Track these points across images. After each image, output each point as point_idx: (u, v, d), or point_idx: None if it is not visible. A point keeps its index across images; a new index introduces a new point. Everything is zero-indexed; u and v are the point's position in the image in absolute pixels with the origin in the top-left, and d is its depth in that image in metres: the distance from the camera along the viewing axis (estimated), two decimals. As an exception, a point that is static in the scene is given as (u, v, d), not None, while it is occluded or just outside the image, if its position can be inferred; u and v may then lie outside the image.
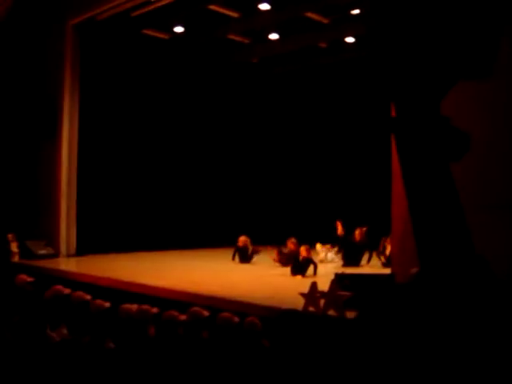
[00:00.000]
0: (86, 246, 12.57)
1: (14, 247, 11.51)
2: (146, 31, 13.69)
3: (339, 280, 6.56)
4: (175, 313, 5.75)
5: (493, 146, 6.35)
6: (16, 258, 11.38)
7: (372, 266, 10.48)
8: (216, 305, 6.68)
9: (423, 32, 3.80)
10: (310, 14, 12.71)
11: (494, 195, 6.42)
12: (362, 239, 10.85)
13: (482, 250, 3.77)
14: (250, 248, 11.67)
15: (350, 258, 10.68)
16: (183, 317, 5.61)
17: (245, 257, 11.55)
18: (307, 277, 9.11)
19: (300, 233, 11.64)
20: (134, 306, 6.12)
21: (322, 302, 6.08)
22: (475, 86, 5.11)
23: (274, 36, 13.96)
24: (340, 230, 10.96)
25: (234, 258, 11.61)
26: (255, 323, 5.40)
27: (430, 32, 3.78)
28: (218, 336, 5.42)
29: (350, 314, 5.74)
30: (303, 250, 9.61)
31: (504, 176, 6.39)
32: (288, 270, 9.64)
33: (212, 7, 12.39)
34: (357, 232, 10.90)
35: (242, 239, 11.71)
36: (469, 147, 3.81)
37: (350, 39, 13.69)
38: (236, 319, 5.55)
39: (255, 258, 11.56)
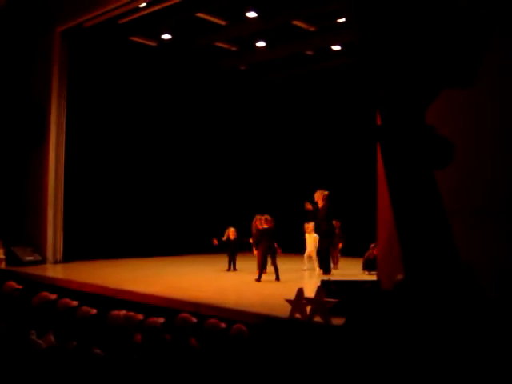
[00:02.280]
0: (73, 252, 12.54)
1: (1, 253, 11.45)
2: (133, 38, 13.72)
3: (325, 286, 6.60)
4: (160, 319, 5.76)
5: (477, 154, 6.43)
6: (2, 265, 11.33)
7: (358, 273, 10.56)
8: (204, 312, 6.69)
9: (408, 42, 3.85)
10: (296, 22, 12.79)
11: (477, 201, 6.48)
12: None
13: (466, 255, 3.82)
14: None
15: None
16: (161, 320, 5.62)
17: (235, 248, 11.66)
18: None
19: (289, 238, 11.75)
20: (122, 313, 6.12)
21: (309, 308, 6.11)
22: (460, 95, 5.18)
23: (261, 44, 14.02)
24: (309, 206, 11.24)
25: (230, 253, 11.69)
26: (242, 330, 5.42)
27: (415, 42, 3.84)
28: (206, 342, 5.44)
29: (336, 321, 5.78)
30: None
31: (488, 183, 6.46)
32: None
33: (199, 15, 12.44)
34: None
35: (233, 230, 11.79)
36: (453, 156, 3.86)
37: (336, 47, 13.79)
38: (223, 325, 5.56)
39: (243, 265, 11.55)
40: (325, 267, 10.74)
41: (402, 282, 4.30)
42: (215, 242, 11.68)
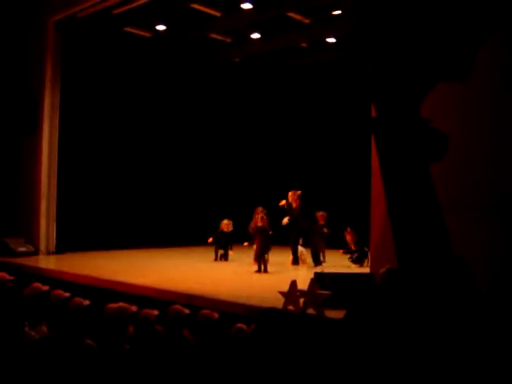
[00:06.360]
0: (66, 243, 12.50)
1: (-7, 244, 11.41)
2: (127, 29, 13.63)
3: (319, 279, 6.60)
4: (155, 311, 5.75)
5: (471, 148, 6.43)
6: (-6, 256, 11.28)
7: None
8: (196, 303, 6.68)
9: (403, 35, 3.84)
10: (291, 14, 12.74)
11: (471, 195, 6.49)
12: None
13: (460, 249, 3.81)
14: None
15: None
16: (156, 312, 5.61)
17: (226, 244, 11.68)
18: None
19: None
20: (115, 305, 6.11)
21: (302, 300, 6.11)
22: (454, 89, 5.18)
23: (255, 35, 13.98)
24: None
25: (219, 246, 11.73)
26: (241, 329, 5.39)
27: (410, 35, 3.83)
28: (199, 334, 5.43)
29: (329, 313, 5.78)
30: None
31: (482, 176, 6.47)
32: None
33: (194, 6, 12.37)
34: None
35: (226, 223, 11.80)
36: (447, 149, 3.85)
37: (331, 39, 13.74)
38: (215, 315, 5.55)
39: (236, 256, 11.56)
40: (315, 259, 10.79)
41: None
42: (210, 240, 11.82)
